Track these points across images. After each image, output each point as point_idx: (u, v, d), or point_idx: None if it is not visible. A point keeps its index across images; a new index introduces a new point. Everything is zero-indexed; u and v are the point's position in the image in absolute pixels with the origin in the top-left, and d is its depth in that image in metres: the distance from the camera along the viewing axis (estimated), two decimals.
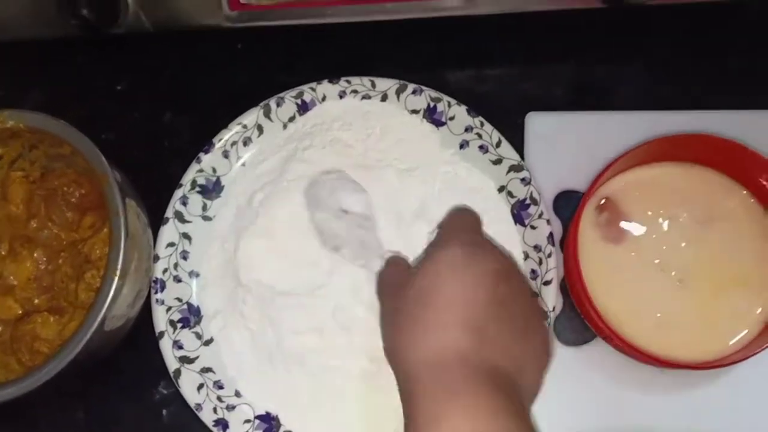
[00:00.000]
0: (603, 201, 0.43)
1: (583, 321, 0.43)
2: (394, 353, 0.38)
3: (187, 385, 0.45)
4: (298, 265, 0.46)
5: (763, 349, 0.38)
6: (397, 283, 0.40)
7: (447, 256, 0.38)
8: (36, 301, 0.47)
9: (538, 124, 0.47)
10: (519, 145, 0.47)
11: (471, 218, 0.43)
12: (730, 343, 0.40)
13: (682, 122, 0.45)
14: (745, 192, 0.42)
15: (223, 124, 0.49)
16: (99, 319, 0.41)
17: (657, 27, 0.47)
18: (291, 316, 0.45)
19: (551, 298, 0.43)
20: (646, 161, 0.43)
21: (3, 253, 0.48)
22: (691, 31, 0.49)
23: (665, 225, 0.43)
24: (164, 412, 0.47)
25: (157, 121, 0.53)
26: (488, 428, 0.32)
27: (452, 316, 0.36)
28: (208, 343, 0.47)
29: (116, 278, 0.41)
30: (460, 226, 0.42)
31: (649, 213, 0.43)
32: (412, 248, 0.45)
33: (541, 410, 0.42)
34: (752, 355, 0.38)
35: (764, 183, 0.40)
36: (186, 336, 0.46)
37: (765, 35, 0.49)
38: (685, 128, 0.44)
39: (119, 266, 0.41)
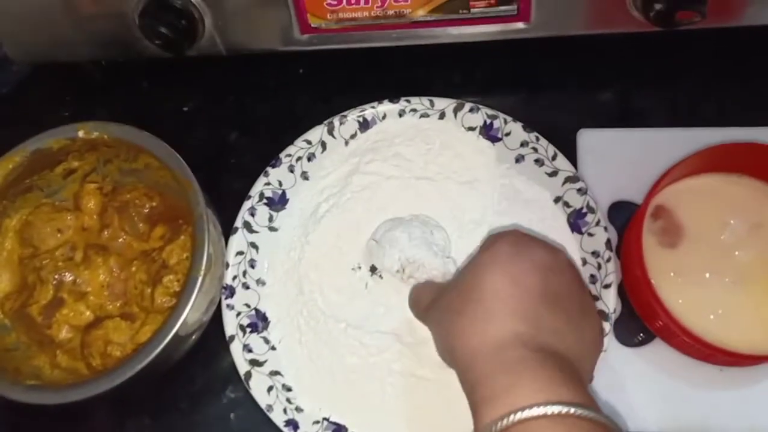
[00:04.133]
0: (657, 209, 0.46)
1: (640, 323, 0.45)
2: (450, 353, 0.38)
3: (258, 387, 0.46)
4: (351, 284, 0.48)
5: None
6: (431, 297, 0.41)
7: (491, 254, 0.38)
8: (108, 307, 0.49)
9: (589, 140, 0.50)
10: (572, 160, 0.50)
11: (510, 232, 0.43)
12: None
13: (724, 137, 0.47)
14: None
15: (286, 143, 0.52)
16: (183, 317, 0.42)
17: (700, 49, 0.51)
18: (343, 339, 0.47)
19: (612, 301, 0.45)
20: (696, 172, 0.46)
21: (77, 260, 0.49)
22: (732, 54, 0.52)
23: (716, 231, 0.45)
24: (232, 415, 0.48)
25: (223, 141, 0.55)
26: (560, 397, 0.32)
27: (502, 307, 0.36)
28: (274, 348, 0.48)
29: (200, 277, 0.43)
30: (501, 236, 0.41)
31: (701, 220, 0.45)
32: (472, 254, 0.47)
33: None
34: None
35: None
36: (255, 340, 0.48)
37: None
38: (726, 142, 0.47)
39: (203, 266, 0.43)
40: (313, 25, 0.49)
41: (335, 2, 0.47)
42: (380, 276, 0.49)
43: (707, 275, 0.44)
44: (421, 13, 0.48)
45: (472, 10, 0.47)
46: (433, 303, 0.41)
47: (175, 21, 0.47)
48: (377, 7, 0.47)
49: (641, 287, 0.42)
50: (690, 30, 0.46)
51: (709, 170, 0.46)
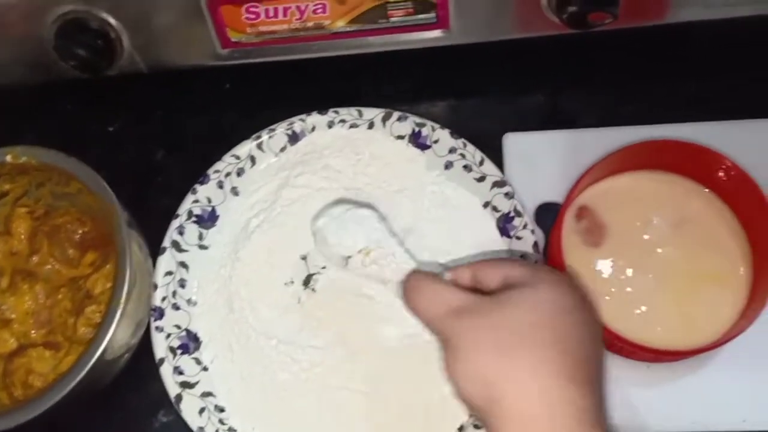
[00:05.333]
0: (581, 209, 0.46)
1: None
2: (484, 396, 0.34)
3: (189, 410, 0.45)
4: (282, 299, 0.48)
5: (739, 335, 0.41)
6: (461, 304, 0.37)
7: (558, 295, 0.36)
8: (33, 335, 0.47)
9: (515, 144, 0.51)
10: (499, 164, 0.50)
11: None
12: (710, 332, 0.43)
13: (645, 135, 0.48)
14: (707, 191, 0.46)
15: (216, 159, 0.51)
16: (99, 351, 0.42)
17: (624, 49, 0.51)
18: (274, 355, 0.47)
19: None
20: (616, 171, 0.47)
21: (3, 286, 0.48)
22: (655, 52, 0.53)
23: (638, 229, 0.46)
24: None
25: (150, 160, 0.55)
26: None
27: (559, 360, 0.34)
28: (206, 369, 0.47)
29: (119, 312, 0.42)
30: (562, 277, 0.38)
31: (623, 219, 0.46)
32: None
33: None
34: (730, 340, 0.41)
35: (722, 178, 0.44)
36: (186, 362, 0.47)
37: (715, 56, 0.54)
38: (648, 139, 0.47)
39: (122, 300, 0.42)
40: (233, 40, 0.49)
41: (253, 16, 0.47)
42: (313, 289, 0.48)
43: (630, 273, 0.45)
44: (340, 24, 0.48)
45: (391, 19, 0.47)
46: (461, 315, 0.36)
47: (90, 42, 0.47)
48: (296, 19, 0.47)
49: None
50: (613, 30, 0.46)
51: (631, 168, 0.47)
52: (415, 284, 0.40)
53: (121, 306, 0.42)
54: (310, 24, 0.48)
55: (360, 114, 0.51)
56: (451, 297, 0.38)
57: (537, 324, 0.35)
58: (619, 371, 0.45)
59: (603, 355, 0.37)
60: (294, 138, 0.52)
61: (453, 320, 0.37)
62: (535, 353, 0.34)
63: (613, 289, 0.44)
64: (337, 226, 0.44)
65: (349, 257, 0.42)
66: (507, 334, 0.35)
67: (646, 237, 0.46)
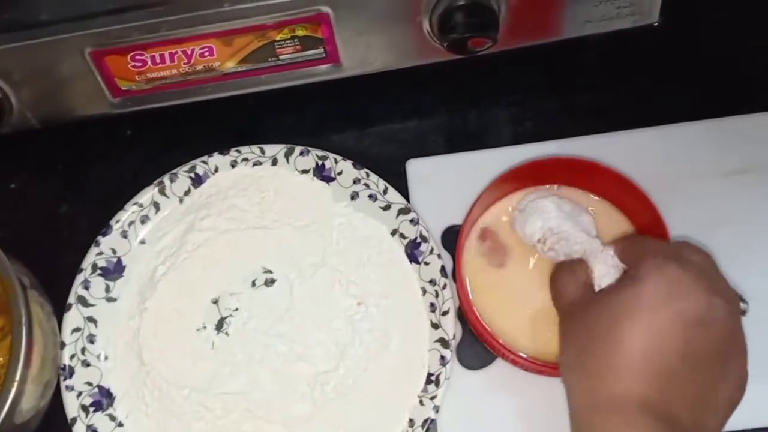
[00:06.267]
0: (483, 231, 0.47)
1: (482, 345, 0.46)
2: (566, 379, 0.38)
3: None
4: (195, 346, 0.47)
5: None
6: (574, 298, 0.40)
7: (635, 296, 0.35)
8: None
9: (418, 169, 0.51)
10: (404, 190, 0.50)
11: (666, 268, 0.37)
12: None
13: (545, 151, 0.49)
14: (603, 202, 0.47)
15: (121, 208, 0.50)
16: None
17: (517, 68, 0.52)
18: (187, 405, 0.46)
19: (450, 327, 0.46)
20: (513, 190, 0.47)
21: None
22: (543, 71, 0.54)
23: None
24: None
25: (54, 214, 0.54)
26: None
27: (636, 369, 0.34)
28: (122, 424, 0.46)
29: (13, 389, 0.41)
30: (653, 271, 0.36)
31: None
32: (316, 298, 0.48)
33: None
34: None
35: (614, 190, 0.45)
36: (99, 419, 0.46)
37: (607, 68, 0.55)
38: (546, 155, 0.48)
39: (17, 374, 0.41)
40: (123, 88, 0.48)
41: (140, 64, 0.46)
42: (226, 333, 0.48)
43: (537, 291, 0.45)
44: (230, 65, 0.47)
45: (281, 57, 0.47)
46: (572, 312, 0.40)
47: None
48: (184, 63, 0.47)
49: (467, 311, 0.43)
50: (504, 51, 0.47)
51: (527, 186, 0.47)
52: (554, 274, 0.43)
53: (16, 383, 0.41)
54: (199, 67, 0.47)
55: (262, 151, 0.51)
56: (570, 291, 0.41)
57: (613, 326, 0.35)
58: (532, 387, 0.45)
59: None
60: (197, 180, 0.51)
61: (565, 314, 0.41)
62: (606, 360, 0.35)
63: (521, 309, 0.45)
64: (523, 218, 0.45)
65: (535, 245, 0.44)
66: (586, 336, 0.37)
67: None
